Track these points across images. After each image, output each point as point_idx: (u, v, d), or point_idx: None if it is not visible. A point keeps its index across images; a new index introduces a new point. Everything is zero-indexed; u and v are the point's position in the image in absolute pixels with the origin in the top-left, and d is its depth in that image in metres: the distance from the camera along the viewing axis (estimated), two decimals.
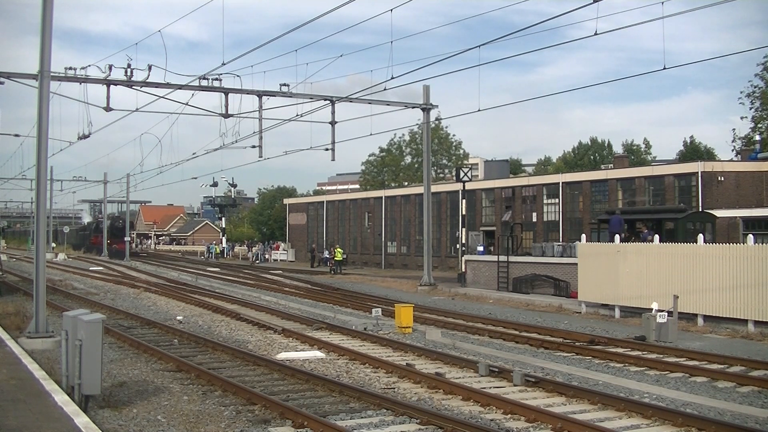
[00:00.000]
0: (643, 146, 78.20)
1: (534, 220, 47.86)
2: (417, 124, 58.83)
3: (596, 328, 21.58)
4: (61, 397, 10.42)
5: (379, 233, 60.93)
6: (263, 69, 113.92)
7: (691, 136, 78.33)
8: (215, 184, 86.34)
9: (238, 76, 28.00)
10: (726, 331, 20.35)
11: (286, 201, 79.72)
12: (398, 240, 59.77)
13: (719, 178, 38.44)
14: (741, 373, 14.69)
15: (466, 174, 41.18)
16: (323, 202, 70.59)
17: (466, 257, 38.29)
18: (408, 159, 78.51)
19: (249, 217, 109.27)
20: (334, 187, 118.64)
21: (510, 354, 16.80)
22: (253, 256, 71.87)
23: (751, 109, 55.79)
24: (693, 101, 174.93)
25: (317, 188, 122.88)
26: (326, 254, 56.32)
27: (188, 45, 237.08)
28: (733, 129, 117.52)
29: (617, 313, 24.27)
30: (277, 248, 73.06)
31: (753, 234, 24.37)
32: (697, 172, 38.60)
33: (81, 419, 9.24)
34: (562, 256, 31.50)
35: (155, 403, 11.78)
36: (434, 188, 47.11)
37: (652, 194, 41.52)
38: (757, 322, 19.93)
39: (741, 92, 60.42)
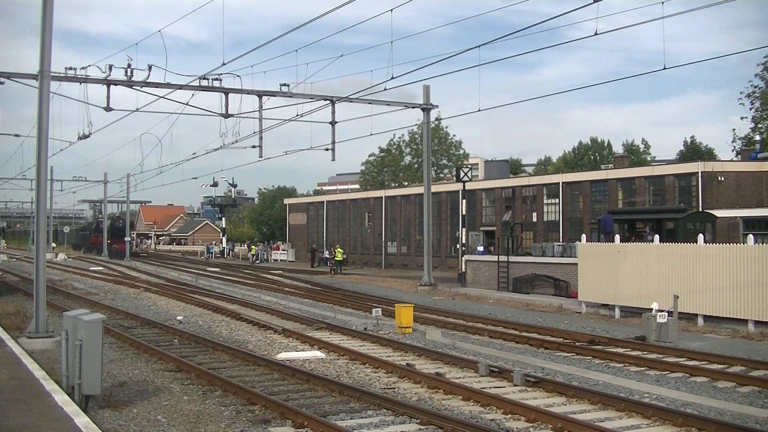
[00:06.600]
0: (642, 146, 78.23)
1: (534, 220, 47.84)
2: (417, 124, 58.91)
3: (596, 328, 21.58)
4: (61, 397, 10.42)
5: (379, 233, 60.91)
6: (263, 69, 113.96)
7: (692, 136, 78.30)
8: (215, 184, 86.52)
9: (238, 76, 28.05)
10: (726, 331, 20.36)
11: (287, 201, 79.69)
12: (398, 240, 59.76)
13: (719, 178, 38.42)
14: (741, 373, 14.70)
15: (466, 174, 41.19)
16: (323, 202, 70.57)
17: (466, 257, 38.27)
18: (408, 159, 78.52)
19: (249, 217, 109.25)
20: (334, 187, 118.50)
21: (510, 354, 16.80)
22: (252, 256, 71.86)
23: (751, 109, 55.88)
24: (693, 101, 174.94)
25: (317, 188, 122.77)
26: (326, 254, 56.34)
27: (188, 45, 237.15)
28: (733, 129, 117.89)
29: (617, 313, 24.28)
30: (278, 248, 73.05)
31: (753, 234, 24.40)
32: (697, 172, 38.59)
33: (81, 419, 9.24)
34: (562, 256, 31.49)
35: (155, 403, 11.78)
36: (434, 188, 47.11)
37: (652, 194, 41.51)
38: (757, 322, 19.94)
39: (741, 92, 60.45)
